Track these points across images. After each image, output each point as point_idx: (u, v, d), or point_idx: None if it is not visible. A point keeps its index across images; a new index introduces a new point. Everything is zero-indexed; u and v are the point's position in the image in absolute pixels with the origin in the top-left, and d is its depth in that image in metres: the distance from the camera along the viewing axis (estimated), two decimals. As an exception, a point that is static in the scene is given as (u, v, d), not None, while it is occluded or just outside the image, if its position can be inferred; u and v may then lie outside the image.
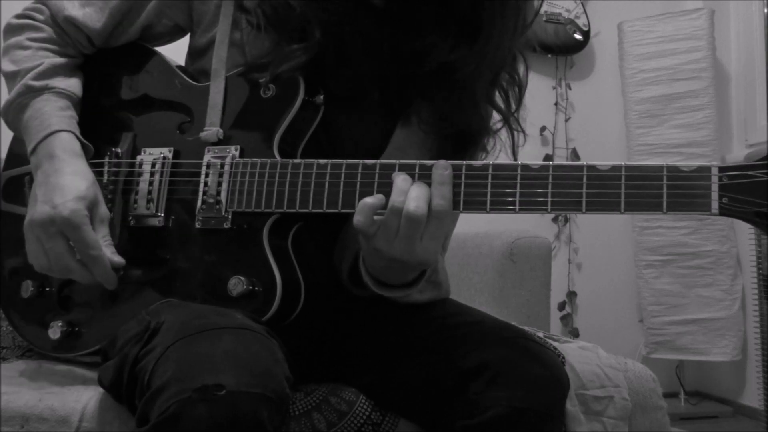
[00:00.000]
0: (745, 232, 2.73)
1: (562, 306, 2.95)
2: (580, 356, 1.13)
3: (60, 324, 0.95)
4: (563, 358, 1.08)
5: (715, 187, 0.69)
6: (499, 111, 0.97)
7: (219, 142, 0.91)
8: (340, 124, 0.94)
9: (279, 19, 0.92)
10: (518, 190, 0.76)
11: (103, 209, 0.90)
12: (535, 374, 0.80)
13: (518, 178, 0.76)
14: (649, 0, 3.07)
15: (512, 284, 1.58)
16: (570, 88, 3.06)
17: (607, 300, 3.03)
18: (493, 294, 1.60)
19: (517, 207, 0.76)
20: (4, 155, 1.10)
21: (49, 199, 0.86)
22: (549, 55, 3.00)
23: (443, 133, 0.95)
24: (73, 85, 0.99)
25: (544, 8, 2.92)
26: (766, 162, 0.68)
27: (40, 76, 0.96)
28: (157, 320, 0.78)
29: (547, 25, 2.92)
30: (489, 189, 0.77)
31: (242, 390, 0.66)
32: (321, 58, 0.90)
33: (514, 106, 0.97)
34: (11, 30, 1.02)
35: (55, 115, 0.94)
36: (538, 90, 3.01)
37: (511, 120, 0.97)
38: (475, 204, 0.78)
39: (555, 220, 3.00)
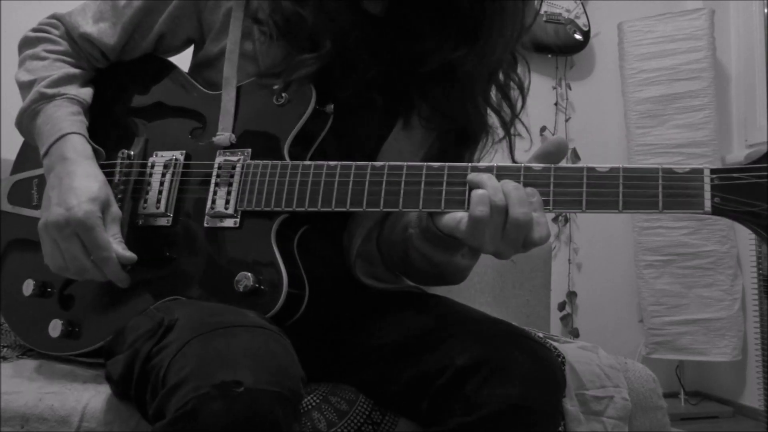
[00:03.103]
0: (745, 232, 2.73)
1: (562, 306, 2.95)
2: (580, 356, 1.13)
3: (62, 322, 0.95)
4: (563, 358, 1.08)
5: (707, 188, 0.73)
6: (496, 112, 0.99)
7: (231, 146, 0.93)
8: (345, 129, 0.96)
9: (291, 29, 0.94)
10: None
11: (114, 209, 0.92)
12: (530, 371, 0.80)
13: (521, 178, 0.78)
14: (649, 0, 3.07)
15: (512, 284, 1.58)
16: (570, 88, 3.06)
17: (607, 300, 3.03)
18: (493, 294, 1.60)
19: None
20: (4, 157, 1.11)
21: (63, 201, 0.88)
22: (549, 55, 3.00)
23: (443, 130, 0.99)
24: (84, 93, 1.02)
25: (544, 8, 2.92)
26: (755, 165, 0.72)
27: (53, 84, 1.00)
28: (170, 317, 0.78)
29: (547, 25, 2.92)
30: None
31: (260, 387, 0.66)
32: (329, 66, 0.94)
33: (518, 108, 1.00)
34: (28, 42, 1.06)
35: (67, 119, 0.97)
36: (538, 90, 3.02)
37: (514, 121, 0.99)
38: None
39: (555, 220, 3.00)
